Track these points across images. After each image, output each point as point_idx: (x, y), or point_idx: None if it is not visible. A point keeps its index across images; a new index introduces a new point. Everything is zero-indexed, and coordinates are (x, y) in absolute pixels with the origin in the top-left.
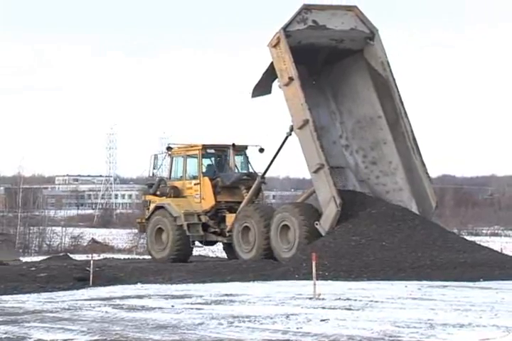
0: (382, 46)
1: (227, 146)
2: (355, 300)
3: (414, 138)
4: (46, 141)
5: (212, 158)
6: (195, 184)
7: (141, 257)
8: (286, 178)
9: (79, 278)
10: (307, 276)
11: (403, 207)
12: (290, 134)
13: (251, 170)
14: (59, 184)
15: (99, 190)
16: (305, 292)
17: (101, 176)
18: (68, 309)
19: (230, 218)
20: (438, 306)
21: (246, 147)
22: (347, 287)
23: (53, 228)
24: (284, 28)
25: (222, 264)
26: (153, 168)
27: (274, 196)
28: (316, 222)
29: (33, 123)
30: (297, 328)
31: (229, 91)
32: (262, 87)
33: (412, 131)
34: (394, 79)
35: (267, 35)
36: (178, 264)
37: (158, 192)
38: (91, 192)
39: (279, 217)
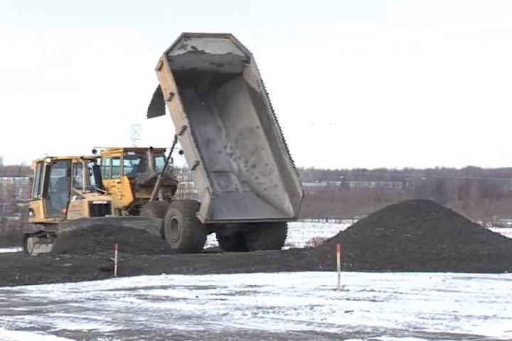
0: (256, 67)
1: (146, 149)
2: (380, 291)
3: (283, 140)
4: (72, 132)
5: (133, 160)
6: (117, 182)
7: None
8: (311, 169)
9: (103, 268)
10: (331, 267)
11: (428, 199)
12: (176, 142)
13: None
14: None
15: None
16: (329, 283)
17: None
18: (93, 299)
19: None
20: (463, 298)
21: (164, 149)
22: (371, 278)
23: None
24: (166, 53)
25: (246, 255)
26: None
27: None
28: (197, 213)
29: (59, 114)
30: (321, 319)
31: None
32: (155, 109)
33: (281, 134)
34: (267, 93)
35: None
36: (202, 255)
37: None
38: None
39: (170, 212)
